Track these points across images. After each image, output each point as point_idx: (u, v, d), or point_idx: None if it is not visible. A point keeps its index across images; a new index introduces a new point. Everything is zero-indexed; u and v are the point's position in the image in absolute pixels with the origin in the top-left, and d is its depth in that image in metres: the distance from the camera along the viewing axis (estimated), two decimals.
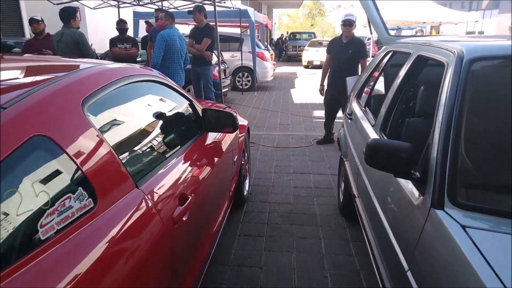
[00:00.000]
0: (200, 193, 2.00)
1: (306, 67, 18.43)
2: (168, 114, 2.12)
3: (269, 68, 11.06)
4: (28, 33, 12.83)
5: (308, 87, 11.86)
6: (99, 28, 11.73)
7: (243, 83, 10.77)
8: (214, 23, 6.93)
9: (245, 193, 3.59)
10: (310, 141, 5.73)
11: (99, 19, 11.80)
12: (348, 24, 4.96)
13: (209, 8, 8.31)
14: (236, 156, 3.04)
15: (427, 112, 1.94)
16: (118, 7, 9.72)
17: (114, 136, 1.45)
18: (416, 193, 1.42)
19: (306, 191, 3.92)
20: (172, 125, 2.13)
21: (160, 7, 8.65)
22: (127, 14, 10.38)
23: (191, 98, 2.36)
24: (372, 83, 3.00)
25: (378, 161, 1.46)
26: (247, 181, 3.74)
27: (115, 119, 1.60)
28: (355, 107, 3.07)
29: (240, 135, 3.32)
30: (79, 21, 5.42)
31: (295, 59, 23.15)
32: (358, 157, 2.38)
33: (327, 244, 2.91)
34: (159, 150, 1.88)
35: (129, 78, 1.70)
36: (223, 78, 8.51)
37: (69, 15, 5.16)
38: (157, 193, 1.53)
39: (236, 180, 3.14)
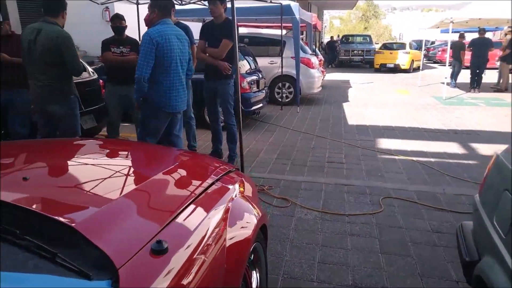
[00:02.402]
0: None
1: (377, 69, 18.01)
2: None
3: (317, 77, 8.94)
4: None
5: (365, 101, 9.57)
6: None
7: (284, 95, 8.74)
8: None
9: None
10: (378, 201, 3.58)
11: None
12: None
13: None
14: None
15: None
16: (137, 4, 8.07)
17: None
18: None
19: None
20: None
21: None
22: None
23: None
24: None
25: None
26: None
27: None
28: None
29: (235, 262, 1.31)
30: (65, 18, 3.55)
31: (348, 65, 20.75)
32: None
33: None
34: None
35: None
36: (255, 92, 6.55)
37: (58, 5, 3.32)
38: None
39: None
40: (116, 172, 1.67)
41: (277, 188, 3.88)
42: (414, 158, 4.92)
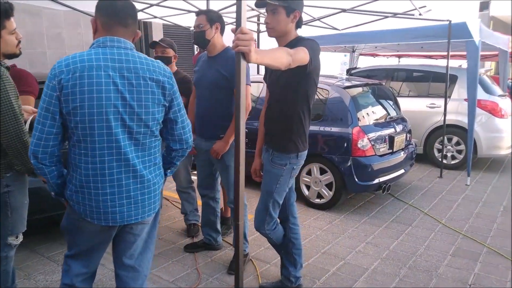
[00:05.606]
0: None
1: None
2: None
3: (507, 131, 5.79)
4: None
5: None
6: None
7: (448, 154, 5.93)
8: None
9: None
10: None
11: None
12: None
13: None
14: None
15: None
16: (258, 32, 6.80)
17: None
18: None
19: None
20: None
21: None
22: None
23: None
24: None
25: None
26: None
27: None
28: None
29: None
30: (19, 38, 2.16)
31: None
32: None
33: None
34: None
35: None
36: (384, 155, 4.23)
37: None
38: None
39: None
40: None
41: None
42: None
